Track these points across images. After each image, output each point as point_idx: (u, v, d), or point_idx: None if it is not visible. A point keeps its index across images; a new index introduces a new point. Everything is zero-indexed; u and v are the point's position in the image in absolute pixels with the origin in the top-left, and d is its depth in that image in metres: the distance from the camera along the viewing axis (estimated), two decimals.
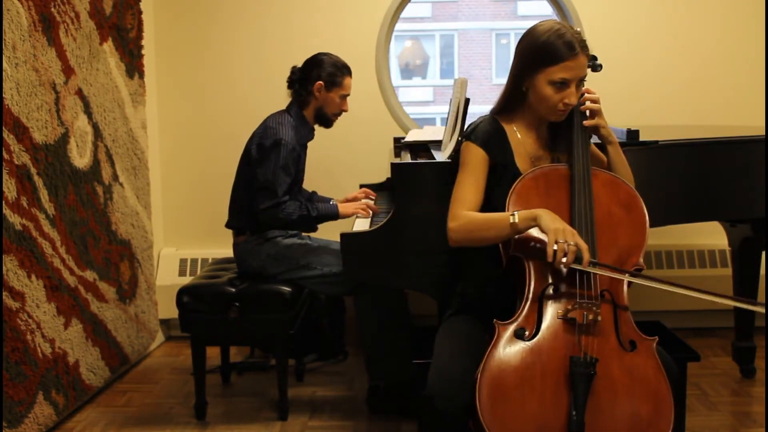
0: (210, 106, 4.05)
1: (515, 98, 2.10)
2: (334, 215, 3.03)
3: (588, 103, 2.06)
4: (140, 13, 3.70)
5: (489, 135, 2.09)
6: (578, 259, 1.79)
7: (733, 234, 3.25)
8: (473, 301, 2.11)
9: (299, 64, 3.14)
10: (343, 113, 3.17)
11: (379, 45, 4.01)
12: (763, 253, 3.22)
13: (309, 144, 3.21)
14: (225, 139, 3.96)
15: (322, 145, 3.97)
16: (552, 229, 1.81)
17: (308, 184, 3.42)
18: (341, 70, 3.07)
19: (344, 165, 4.01)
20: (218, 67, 4.03)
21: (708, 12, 4.04)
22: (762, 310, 1.81)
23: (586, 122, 2.06)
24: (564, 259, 1.78)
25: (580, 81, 2.02)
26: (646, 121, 3.93)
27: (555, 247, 1.78)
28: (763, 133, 2.96)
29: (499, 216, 1.93)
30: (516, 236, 1.91)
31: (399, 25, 4.21)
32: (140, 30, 3.71)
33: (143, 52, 3.73)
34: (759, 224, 3.10)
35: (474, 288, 2.14)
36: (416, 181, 2.42)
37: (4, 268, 2.58)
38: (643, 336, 1.84)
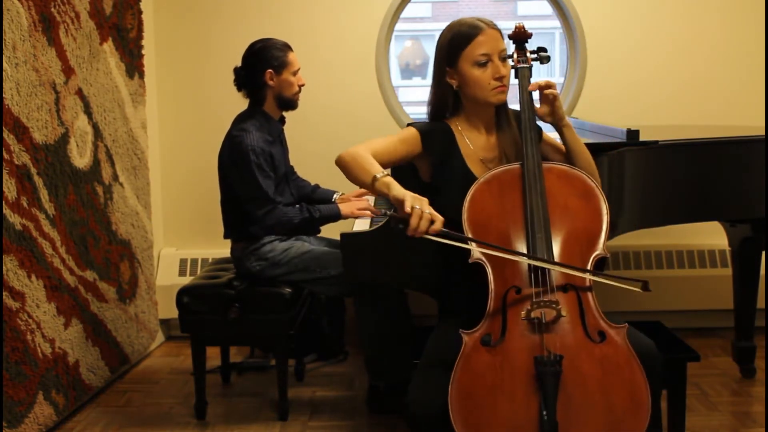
0: (210, 106, 4.04)
1: (446, 100, 2.14)
2: (336, 216, 3.02)
3: (536, 83, 2.07)
4: (140, 13, 3.70)
5: (433, 130, 2.13)
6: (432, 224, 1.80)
7: (733, 234, 3.25)
8: (460, 307, 2.11)
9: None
10: (305, 89, 3.11)
11: (379, 45, 4.01)
12: (763, 253, 3.22)
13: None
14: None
15: (321, 144, 3.97)
16: (408, 195, 1.83)
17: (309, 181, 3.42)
18: (282, 49, 3.02)
19: None
20: (218, 67, 4.01)
21: (708, 12, 4.03)
22: (638, 288, 1.83)
23: (531, 86, 2.07)
24: (421, 224, 1.78)
25: (502, 56, 2.06)
26: (646, 121, 3.93)
27: (409, 210, 1.79)
28: (763, 133, 2.96)
29: (372, 167, 1.97)
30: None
31: (399, 25, 4.20)
32: (140, 30, 3.71)
33: (143, 52, 3.73)
34: (759, 224, 3.10)
35: (460, 294, 2.14)
36: (414, 185, 2.42)
37: (4, 268, 2.58)
38: (611, 324, 1.81)
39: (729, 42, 4.04)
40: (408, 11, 4.28)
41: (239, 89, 3.09)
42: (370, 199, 3.20)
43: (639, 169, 2.67)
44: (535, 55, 2.15)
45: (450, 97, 2.13)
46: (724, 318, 3.71)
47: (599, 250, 1.92)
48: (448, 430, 1.74)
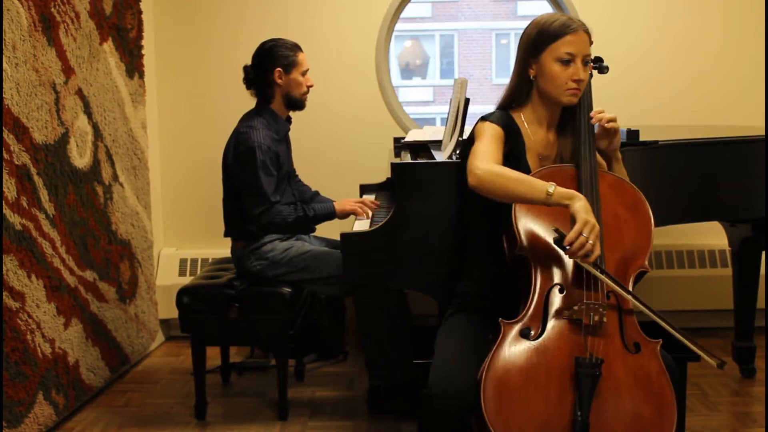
0: (210, 106, 4.05)
1: (521, 90, 2.11)
2: (331, 214, 3.02)
3: (601, 116, 2.05)
4: (140, 13, 3.70)
5: (506, 121, 2.11)
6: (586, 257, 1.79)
7: (733, 234, 3.25)
8: (475, 300, 2.11)
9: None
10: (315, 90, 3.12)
11: (379, 45, 4.01)
12: (763, 253, 3.22)
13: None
14: (225, 139, 3.93)
15: (322, 145, 3.98)
16: (583, 219, 1.79)
17: (309, 184, 3.42)
18: (292, 49, 3.04)
19: (344, 165, 4.01)
20: (218, 67, 4.03)
21: (708, 12, 4.04)
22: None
23: (594, 118, 2.05)
24: (579, 252, 1.77)
25: (586, 60, 2.05)
26: (646, 121, 3.93)
27: (578, 236, 1.76)
28: (763, 133, 2.96)
29: (535, 179, 1.89)
30: (526, 233, 1.90)
31: (399, 25, 4.21)
32: (140, 30, 3.71)
33: (143, 52, 3.73)
34: (759, 224, 3.10)
35: (476, 287, 2.13)
36: (416, 181, 2.42)
37: (4, 268, 2.58)
38: (647, 338, 1.85)
39: (729, 42, 4.04)
40: (408, 11, 4.28)
41: (248, 87, 3.11)
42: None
43: (639, 169, 2.67)
44: (596, 65, 2.15)
45: (526, 87, 2.11)
46: (724, 318, 3.72)
47: (644, 263, 1.94)
48: (476, 420, 1.76)
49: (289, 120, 3.16)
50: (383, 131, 4.01)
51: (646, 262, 1.94)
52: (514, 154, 2.08)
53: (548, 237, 1.89)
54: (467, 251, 2.16)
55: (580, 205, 1.81)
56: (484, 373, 1.76)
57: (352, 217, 3.01)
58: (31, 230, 2.75)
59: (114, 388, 3.37)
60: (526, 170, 2.05)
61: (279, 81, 3.03)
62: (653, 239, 1.98)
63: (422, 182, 2.41)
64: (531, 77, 2.08)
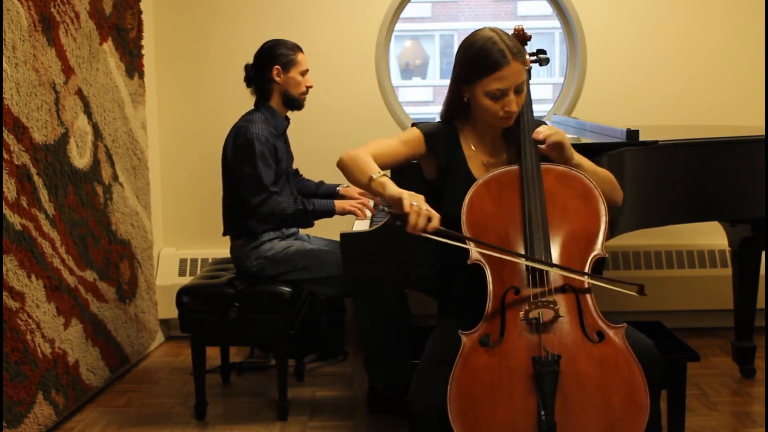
0: (210, 106, 4.04)
1: (458, 108, 2.13)
2: (330, 211, 3.02)
3: (535, 137, 2.03)
4: (140, 13, 3.70)
5: (438, 132, 2.13)
6: (430, 221, 1.81)
7: (733, 234, 3.25)
8: (465, 305, 2.11)
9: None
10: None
11: (379, 45, 4.01)
12: (763, 253, 3.22)
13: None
14: (225, 139, 3.96)
15: (322, 144, 3.97)
16: (405, 193, 1.85)
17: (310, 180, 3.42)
18: (292, 48, 3.09)
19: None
20: (218, 67, 4.03)
21: (708, 12, 4.03)
22: (633, 292, 1.83)
23: (533, 136, 2.04)
24: (419, 221, 1.80)
25: (519, 89, 2.01)
26: (646, 121, 3.93)
27: (411, 207, 1.81)
28: (763, 133, 2.96)
29: (368, 167, 1.99)
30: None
31: (399, 25, 4.20)
32: (140, 30, 3.71)
33: (143, 52, 3.73)
34: (759, 224, 3.10)
35: (464, 292, 2.14)
36: (416, 181, 2.42)
37: (4, 268, 2.58)
38: (610, 324, 1.82)
39: (729, 42, 4.04)
40: (408, 11, 4.28)
41: (248, 85, 3.14)
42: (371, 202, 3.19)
43: (639, 169, 2.67)
44: (534, 57, 2.16)
45: (461, 105, 2.12)
46: (724, 318, 3.71)
47: (597, 250, 1.92)
48: (449, 429, 1.75)
49: (287, 119, 3.17)
50: (383, 131, 4.00)
51: (601, 248, 1.92)
52: (451, 165, 2.10)
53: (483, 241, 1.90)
54: (453, 256, 2.17)
55: (393, 188, 1.89)
56: (449, 387, 1.76)
57: (352, 216, 3.01)
58: (31, 230, 2.75)
59: (114, 388, 3.37)
60: (469, 178, 2.07)
61: (277, 79, 3.06)
62: (606, 224, 1.95)
63: (422, 182, 2.41)
64: (465, 99, 2.08)
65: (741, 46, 4.03)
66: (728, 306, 3.44)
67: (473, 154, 2.13)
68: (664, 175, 2.79)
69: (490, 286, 1.88)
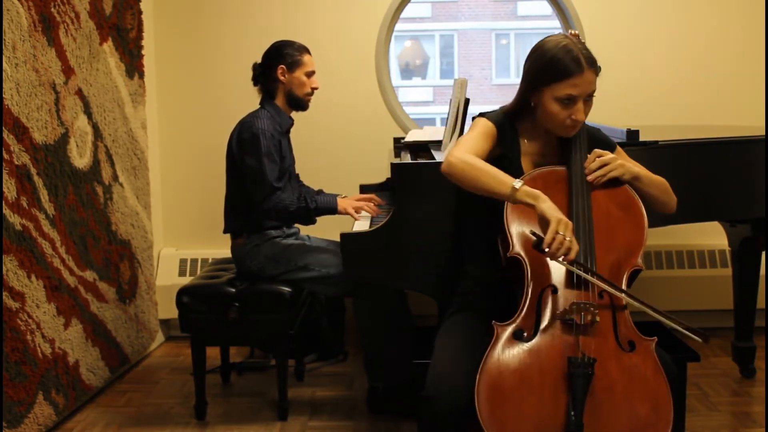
0: (210, 106, 4.05)
1: (523, 108, 2.10)
2: (332, 209, 3.03)
3: (591, 177, 2.01)
4: (140, 13, 3.70)
5: (502, 122, 2.11)
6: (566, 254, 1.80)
7: (733, 234, 3.25)
8: (474, 300, 2.11)
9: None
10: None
11: (379, 45, 4.01)
12: (763, 253, 3.22)
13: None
14: (225, 139, 3.93)
15: (322, 145, 3.98)
16: (555, 218, 1.80)
17: (309, 184, 3.42)
18: (298, 49, 3.11)
19: (344, 165, 4.01)
20: (218, 67, 4.03)
21: (708, 12, 4.03)
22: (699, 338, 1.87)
23: (589, 178, 2.02)
24: (559, 252, 1.78)
25: (589, 96, 2.01)
26: (646, 121, 3.93)
27: (555, 236, 1.78)
28: (763, 133, 2.96)
29: (505, 174, 1.91)
30: (518, 236, 1.90)
31: (399, 25, 4.20)
32: (140, 30, 3.71)
33: (143, 52, 3.73)
34: (759, 224, 3.10)
35: (475, 287, 2.13)
36: (416, 182, 2.42)
37: (4, 268, 2.58)
38: (641, 336, 1.84)
39: (729, 42, 4.04)
40: (408, 11, 4.28)
41: (255, 84, 3.17)
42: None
43: None
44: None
45: (527, 108, 2.09)
46: (724, 318, 3.71)
47: (637, 262, 1.94)
48: (471, 423, 1.75)
49: (291, 118, 3.18)
50: (383, 131, 4.01)
51: (640, 260, 1.94)
52: (507, 157, 2.09)
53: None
54: (467, 251, 2.16)
55: (547, 205, 1.83)
56: (478, 377, 1.76)
57: (350, 214, 3.01)
58: (31, 230, 2.75)
59: (114, 388, 3.37)
60: (520, 173, 2.05)
61: (282, 78, 3.08)
62: (647, 237, 1.97)
63: (422, 182, 2.42)
64: (532, 104, 2.06)
65: (741, 47, 4.03)
66: (728, 306, 3.44)
67: (528, 151, 2.12)
68: (664, 175, 2.78)
69: (529, 282, 1.88)
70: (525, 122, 2.13)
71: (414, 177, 2.42)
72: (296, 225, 3.27)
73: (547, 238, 1.78)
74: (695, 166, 2.85)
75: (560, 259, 1.81)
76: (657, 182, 2.12)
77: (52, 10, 2.90)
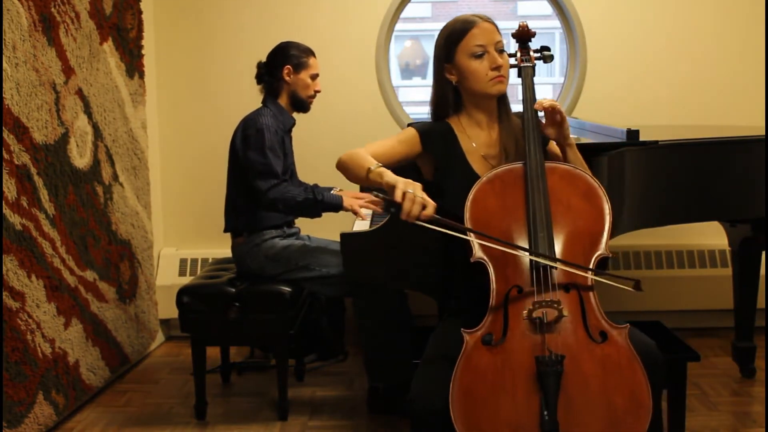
0: (210, 106, 4.05)
1: (447, 98, 2.15)
2: (338, 205, 3.02)
3: (541, 101, 2.04)
4: (140, 13, 3.70)
5: (432, 130, 2.14)
6: (425, 209, 1.81)
7: (733, 234, 3.25)
8: (467, 305, 2.11)
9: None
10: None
11: (379, 45, 4.01)
12: (763, 253, 3.22)
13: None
14: (225, 139, 3.93)
15: (322, 144, 3.97)
16: (401, 180, 1.85)
17: (310, 183, 3.41)
18: (305, 52, 3.15)
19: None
20: (218, 67, 4.03)
21: (708, 12, 4.03)
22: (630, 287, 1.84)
23: (536, 105, 2.05)
24: (413, 208, 1.80)
25: (499, 48, 2.08)
26: (646, 120, 3.93)
27: (404, 194, 1.81)
28: (763, 133, 2.96)
29: (366, 161, 2.00)
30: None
31: (399, 25, 4.20)
32: (140, 30, 3.71)
33: (143, 52, 3.73)
34: (759, 224, 3.10)
35: (466, 291, 2.13)
36: (416, 181, 2.42)
37: (4, 268, 2.58)
38: (613, 325, 1.81)
39: (729, 42, 4.04)
40: (408, 11, 4.28)
41: (258, 82, 3.19)
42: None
43: (639, 169, 2.67)
44: (538, 54, 2.15)
45: (450, 93, 2.14)
46: (724, 318, 3.71)
47: (601, 250, 1.92)
48: (450, 428, 1.75)
49: (292, 118, 3.20)
50: (383, 131, 4.00)
51: (604, 248, 1.92)
52: (451, 159, 2.11)
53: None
54: (458, 255, 2.17)
55: (388, 174, 1.91)
56: (451, 385, 1.75)
57: (352, 217, 3.01)
58: (31, 230, 2.75)
59: (114, 388, 3.37)
60: (470, 173, 2.08)
61: (287, 78, 3.11)
62: (611, 224, 1.95)
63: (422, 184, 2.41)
64: (453, 83, 2.11)
65: (741, 47, 4.03)
66: (728, 306, 3.44)
67: (471, 149, 2.13)
68: (665, 175, 2.79)
69: (493, 285, 1.87)
70: (460, 117, 2.16)
71: (414, 177, 2.42)
72: (296, 225, 3.28)
73: (397, 195, 1.81)
74: (695, 165, 2.85)
75: (422, 219, 1.81)
76: (581, 161, 2.13)
77: (52, 10, 2.90)
